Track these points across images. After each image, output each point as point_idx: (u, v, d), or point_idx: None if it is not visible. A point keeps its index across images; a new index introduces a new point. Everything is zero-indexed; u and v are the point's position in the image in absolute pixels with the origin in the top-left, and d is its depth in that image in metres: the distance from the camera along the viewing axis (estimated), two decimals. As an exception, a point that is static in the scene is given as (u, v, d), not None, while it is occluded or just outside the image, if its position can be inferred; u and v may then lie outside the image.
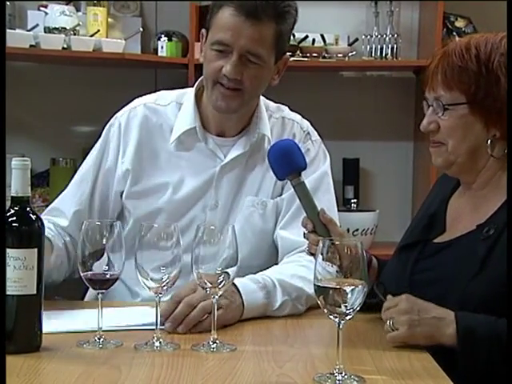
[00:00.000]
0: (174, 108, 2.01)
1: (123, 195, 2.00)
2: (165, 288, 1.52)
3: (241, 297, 1.72)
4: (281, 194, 2.00)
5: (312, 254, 1.67)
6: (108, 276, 1.54)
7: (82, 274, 1.53)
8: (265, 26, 1.84)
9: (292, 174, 1.66)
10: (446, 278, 1.63)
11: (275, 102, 2.10)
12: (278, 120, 2.04)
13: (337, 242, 1.33)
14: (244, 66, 1.86)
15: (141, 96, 2.09)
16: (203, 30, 1.95)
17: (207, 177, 1.98)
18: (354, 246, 1.32)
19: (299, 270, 1.85)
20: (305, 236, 1.69)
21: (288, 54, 2.01)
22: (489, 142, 1.65)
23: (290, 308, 1.80)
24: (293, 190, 1.68)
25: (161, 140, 1.99)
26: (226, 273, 1.51)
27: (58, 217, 1.99)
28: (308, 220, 1.67)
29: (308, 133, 2.05)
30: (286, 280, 1.82)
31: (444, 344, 1.50)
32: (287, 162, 1.66)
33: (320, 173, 2.02)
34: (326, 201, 1.99)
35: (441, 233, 1.73)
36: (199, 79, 2.02)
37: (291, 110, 2.11)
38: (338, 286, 1.31)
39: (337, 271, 1.32)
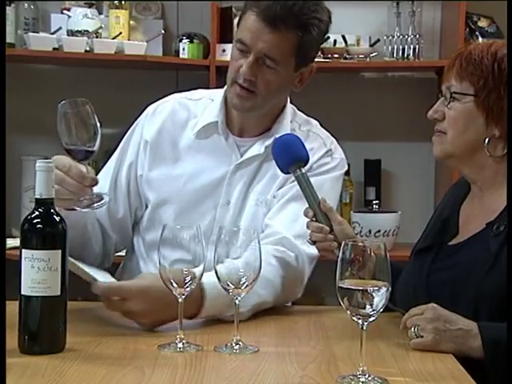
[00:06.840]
0: (205, 102, 2.05)
1: (142, 179, 2.02)
2: (188, 289, 1.52)
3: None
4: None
5: (314, 243, 1.75)
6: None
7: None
8: (283, 34, 1.87)
9: (293, 165, 1.76)
10: (462, 275, 1.65)
11: (305, 114, 2.09)
12: (303, 132, 2.02)
13: (359, 244, 1.33)
14: (259, 69, 1.89)
15: (161, 98, 2.10)
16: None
17: (220, 174, 1.99)
18: (377, 247, 1.32)
19: (267, 270, 1.76)
20: (307, 226, 1.76)
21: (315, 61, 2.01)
22: (486, 140, 1.69)
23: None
24: (296, 181, 1.77)
25: (183, 132, 2.02)
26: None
27: None
28: (309, 209, 1.76)
29: (330, 149, 2.03)
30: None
31: (471, 356, 1.50)
32: (288, 154, 1.78)
33: (327, 186, 1.96)
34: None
35: (454, 235, 1.77)
36: None
37: (321, 124, 2.09)
38: (361, 288, 1.31)
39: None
